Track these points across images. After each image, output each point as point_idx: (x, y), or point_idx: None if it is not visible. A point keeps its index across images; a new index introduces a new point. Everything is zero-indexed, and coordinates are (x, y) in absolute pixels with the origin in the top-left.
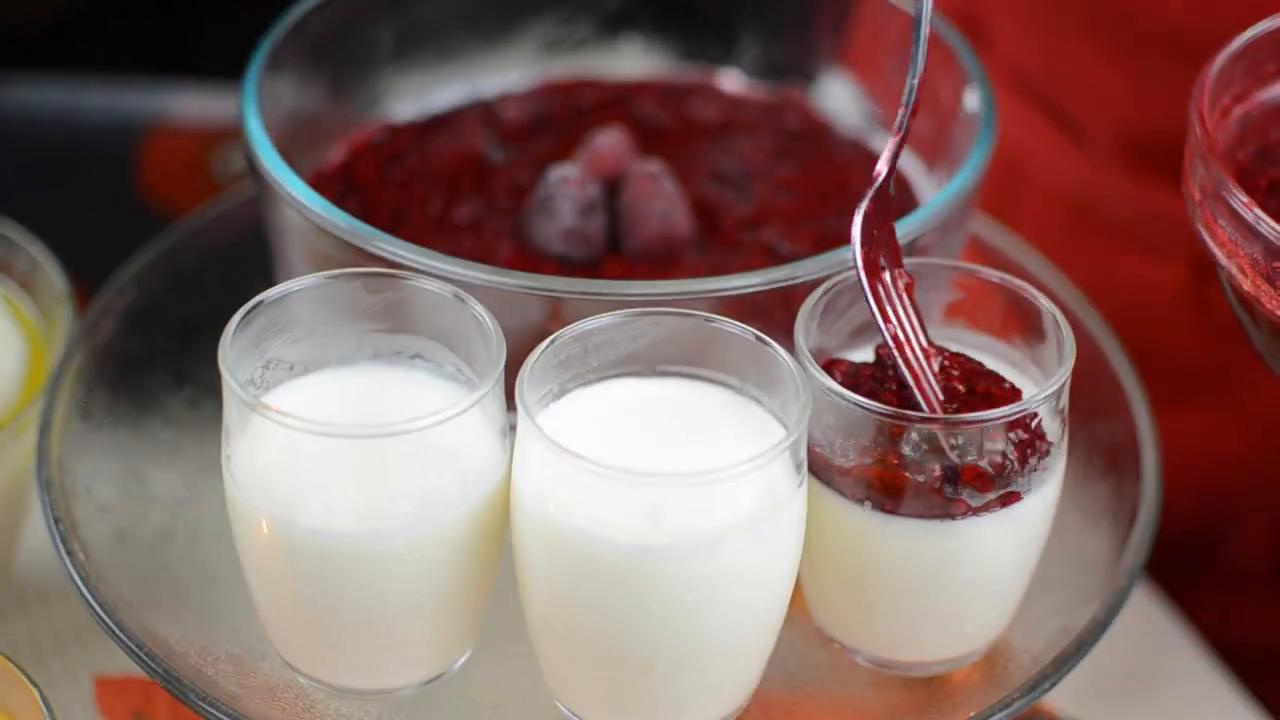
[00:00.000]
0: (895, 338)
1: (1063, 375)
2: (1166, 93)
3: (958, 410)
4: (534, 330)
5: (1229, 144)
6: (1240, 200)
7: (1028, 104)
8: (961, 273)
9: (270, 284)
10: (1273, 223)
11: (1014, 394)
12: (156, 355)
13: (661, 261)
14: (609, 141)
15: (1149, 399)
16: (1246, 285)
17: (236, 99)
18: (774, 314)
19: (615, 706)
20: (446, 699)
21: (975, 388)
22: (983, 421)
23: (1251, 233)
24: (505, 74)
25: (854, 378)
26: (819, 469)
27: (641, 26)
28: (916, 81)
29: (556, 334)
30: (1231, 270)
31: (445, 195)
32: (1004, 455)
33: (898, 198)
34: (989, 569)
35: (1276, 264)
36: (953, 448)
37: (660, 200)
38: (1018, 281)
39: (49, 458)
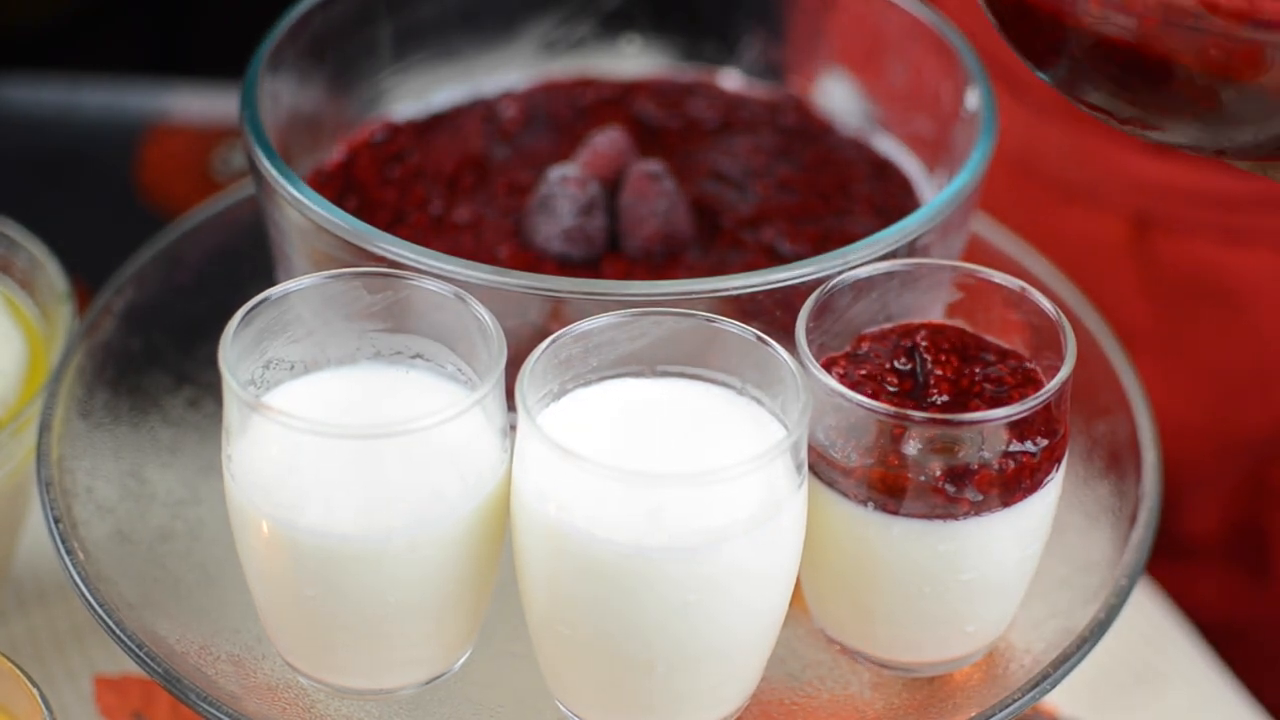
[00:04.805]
0: None
1: (1063, 375)
2: None
3: (962, 389)
4: (534, 330)
5: None
6: None
7: None
8: (961, 273)
9: (270, 283)
10: None
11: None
12: (156, 355)
13: (661, 261)
14: (609, 141)
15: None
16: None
17: (236, 98)
18: (774, 314)
19: (615, 707)
20: (447, 699)
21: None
22: (984, 421)
23: None
24: (505, 73)
25: (852, 377)
26: (820, 469)
27: (641, 26)
28: None
29: (557, 334)
30: None
31: (445, 195)
32: (1005, 454)
33: (899, 197)
34: (990, 569)
35: None
36: (955, 447)
37: (660, 200)
38: (1018, 281)
39: (49, 457)
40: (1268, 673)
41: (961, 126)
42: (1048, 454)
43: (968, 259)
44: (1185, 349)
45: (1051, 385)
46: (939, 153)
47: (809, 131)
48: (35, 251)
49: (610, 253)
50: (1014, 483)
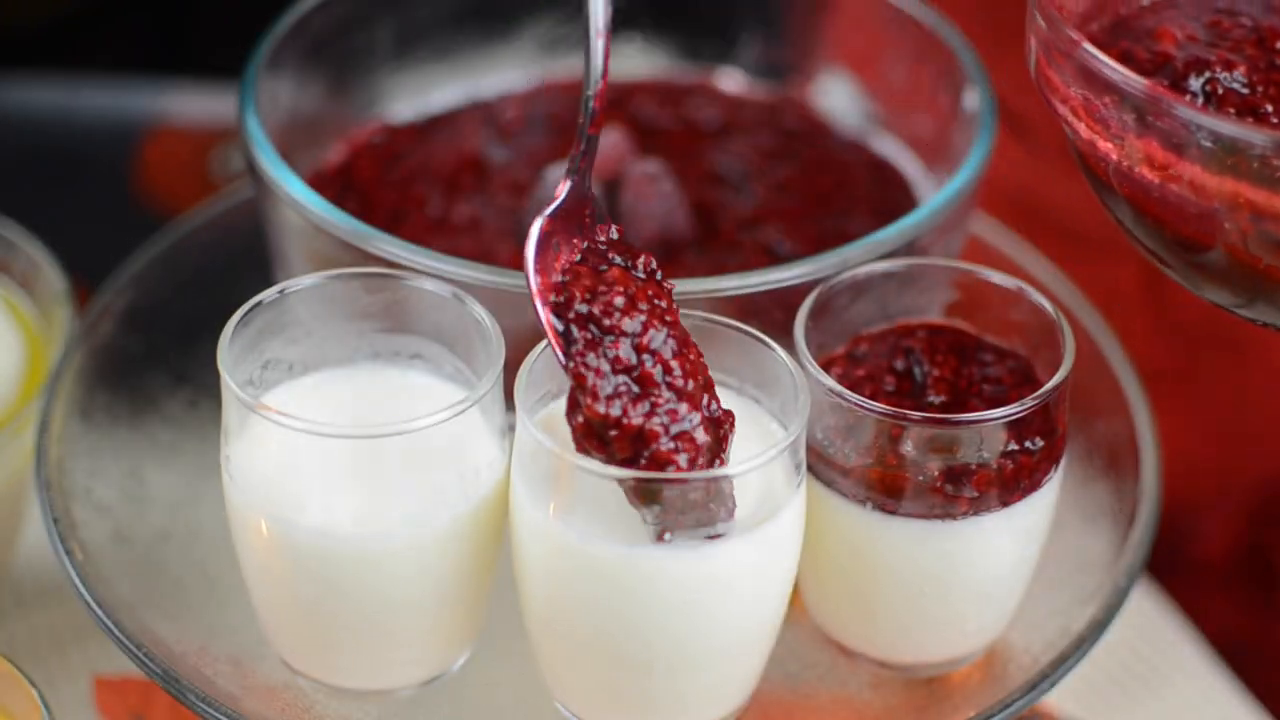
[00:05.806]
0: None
1: (1061, 375)
2: None
3: (961, 389)
4: (533, 330)
5: (1083, 13)
6: (1073, 37)
7: None
8: (960, 273)
9: (269, 284)
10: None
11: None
12: (155, 355)
13: (661, 262)
14: (609, 141)
15: None
16: (1082, 131)
17: (235, 99)
18: (773, 314)
19: (614, 707)
20: (446, 699)
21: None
22: (982, 421)
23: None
24: (504, 74)
25: (850, 377)
26: (819, 469)
27: (641, 26)
28: (593, 93)
29: None
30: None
31: (444, 195)
32: (1004, 454)
33: (898, 198)
34: (989, 569)
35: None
36: (953, 447)
37: (660, 200)
38: (1018, 281)
39: (48, 458)
40: None
41: (960, 127)
42: (1046, 454)
43: (967, 259)
44: (1200, 389)
45: (1049, 385)
46: (938, 153)
47: (808, 132)
48: (34, 252)
49: None
50: (1012, 483)
